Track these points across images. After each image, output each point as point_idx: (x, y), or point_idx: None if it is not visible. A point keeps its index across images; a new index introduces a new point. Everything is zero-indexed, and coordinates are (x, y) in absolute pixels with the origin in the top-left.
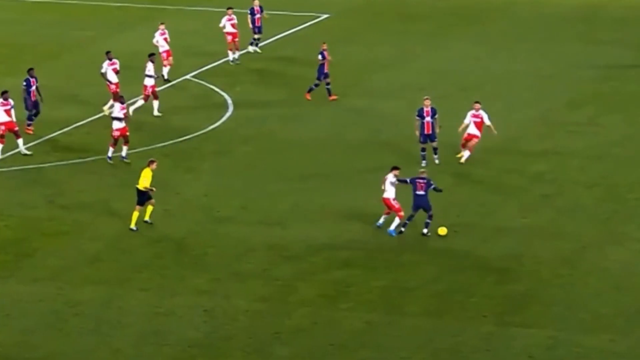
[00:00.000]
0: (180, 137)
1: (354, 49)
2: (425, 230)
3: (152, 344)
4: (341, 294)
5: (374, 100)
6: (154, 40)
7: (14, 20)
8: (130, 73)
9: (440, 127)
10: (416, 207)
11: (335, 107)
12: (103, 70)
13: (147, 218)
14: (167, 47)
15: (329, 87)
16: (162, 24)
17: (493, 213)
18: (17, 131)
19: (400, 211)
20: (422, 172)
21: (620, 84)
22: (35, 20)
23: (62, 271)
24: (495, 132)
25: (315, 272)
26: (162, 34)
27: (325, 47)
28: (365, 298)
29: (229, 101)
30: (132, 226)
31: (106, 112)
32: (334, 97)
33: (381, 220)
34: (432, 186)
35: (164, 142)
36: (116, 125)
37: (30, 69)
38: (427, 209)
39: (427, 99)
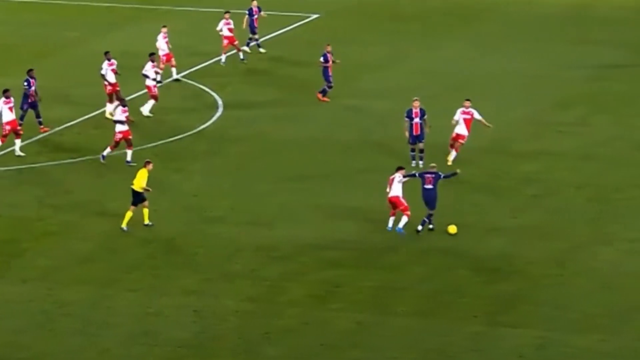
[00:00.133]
0: (170, 137)
1: (344, 50)
2: (419, 227)
3: (141, 344)
4: (331, 294)
5: (364, 101)
6: (157, 44)
7: (0, 20)
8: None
9: (429, 127)
10: (424, 202)
11: (325, 107)
12: (103, 71)
13: (146, 221)
14: (167, 50)
15: (327, 88)
16: (164, 27)
17: (483, 213)
18: (18, 130)
19: (407, 210)
20: (432, 167)
21: (609, 84)
22: (21, 20)
23: (51, 271)
24: (490, 125)
25: (305, 273)
26: (165, 37)
27: (329, 49)
28: (355, 298)
29: (219, 101)
30: (123, 226)
31: (110, 114)
32: (326, 99)
33: (390, 224)
34: (443, 176)
35: (154, 142)
36: (119, 128)
37: (30, 70)
38: (431, 204)
39: (416, 100)
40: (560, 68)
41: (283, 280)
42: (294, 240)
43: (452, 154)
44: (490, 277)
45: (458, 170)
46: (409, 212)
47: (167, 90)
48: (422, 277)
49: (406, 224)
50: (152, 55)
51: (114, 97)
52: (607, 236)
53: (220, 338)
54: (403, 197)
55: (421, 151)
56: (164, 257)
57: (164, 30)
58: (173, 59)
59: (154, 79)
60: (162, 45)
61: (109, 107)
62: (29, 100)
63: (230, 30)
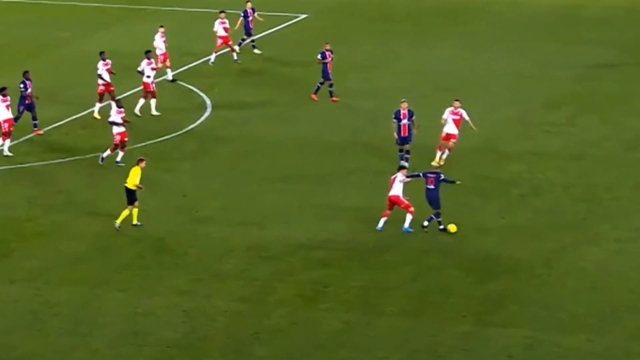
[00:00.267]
0: (160, 137)
1: (333, 50)
2: (425, 223)
3: (130, 345)
4: (320, 294)
5: (354, 101)
6: (155, 43)
7: None
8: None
9: (417, 127)
10: (427, 202)
11: (314, 107)
12: (99, 72)
13: (134, 221)
14: (164, 50)
15: (320, 86)
16: (161, 26)
17: (471, 213)
18: (10, 131)
19: (410, 207)
20: (436, 168)
21: (598, 83)
22: (10, 20)
23: (40, 272)
24: (475, 128)
25: (294, 273)
26: (162, 36)
27: (327, 46)
28: (344, 298)
29: (208, 102)
30: (118, 222)
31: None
32: (315, 97)
33: (381, 224)
34: (442, 179)
35: (143, 142)
36: (115, 129)
37: (26, 72)
38: (434, 204)
39: (404, 101)
40: (549, 68)
41: (273, 280)
42: (284, 240)
43: (438, 155)
44: (478, 277)
45: (458, 182)
46: (412, 209)
47: (158, 90)
48: (410, 277)
49: (411, 221)
50: (148, 53)
51: (106, 97)
52: (595, 236)
53: (210, 338)
54: (404, 196)
55: (407, 152)
56: (154, 257)
57: (161, 30)
58: (168, 60)
59: (148, 76)
60: (159, 44)
61: (97, 107)
62: (26, 102)
63: (225, 29)
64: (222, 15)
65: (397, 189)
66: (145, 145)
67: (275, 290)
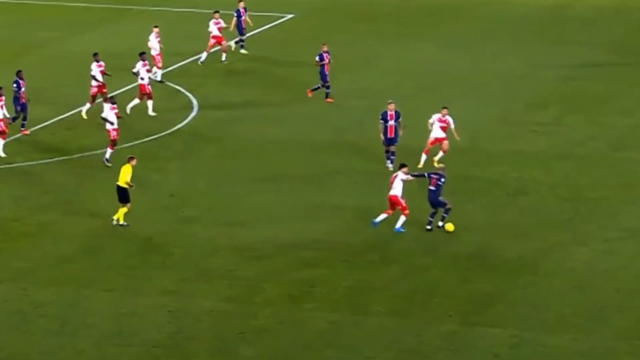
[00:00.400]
0: (147, 137)
1: (318, 49)
2: (428, 227)
3: (116, 345)
4: (306, 294)
5: (340, 101)
6: (149, 43)
7: None
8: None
9: (404, 127)
10: (429, 203)
11: (301, 107)
12: (93, 72)
13: (121, 221)
14: (159, 51)
15: (319, 87)
16: (156, 27)
17: (457, 213)
18: (4, 130)
19: (406, 209)
20: (440, 168)
21: (584, 83)
22: None
23: (27, 272)
24: (458, 138)
25: (281, 273)
26: (157, 36)
27: (325, 48)
28: (330, 298)
29: (194, 102)
30: (122, 222)
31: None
32: (311, 94)
33: (378, 219)
34: (441, 183)
35: (130, 142)
36: (109, 126)
37: (19, 71)
38: (435, 205)
39: (390, 103)
40: (534, 68)
41: (259, 280)
42: (271, 240)
43: (424, 158)
44: (465, 276)
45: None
46: (407, 212)
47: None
48: (397, 277)
49: (404, 223)
50: (143, 55)
51: (98, 98)
52: (582, 236)
53: (196, 338)
54: (402, 196)
55: (392, 153)
56: (140, 257)
57: (156, 30)
58: (160, 62)
59: (142, 78)
60: (154, 44)
61: (87, 107)
62: (21, 102)
63: (219, 29)
64: (217, 15)
65: (397, 189)
66: (132, 145)
67: (262, 290)
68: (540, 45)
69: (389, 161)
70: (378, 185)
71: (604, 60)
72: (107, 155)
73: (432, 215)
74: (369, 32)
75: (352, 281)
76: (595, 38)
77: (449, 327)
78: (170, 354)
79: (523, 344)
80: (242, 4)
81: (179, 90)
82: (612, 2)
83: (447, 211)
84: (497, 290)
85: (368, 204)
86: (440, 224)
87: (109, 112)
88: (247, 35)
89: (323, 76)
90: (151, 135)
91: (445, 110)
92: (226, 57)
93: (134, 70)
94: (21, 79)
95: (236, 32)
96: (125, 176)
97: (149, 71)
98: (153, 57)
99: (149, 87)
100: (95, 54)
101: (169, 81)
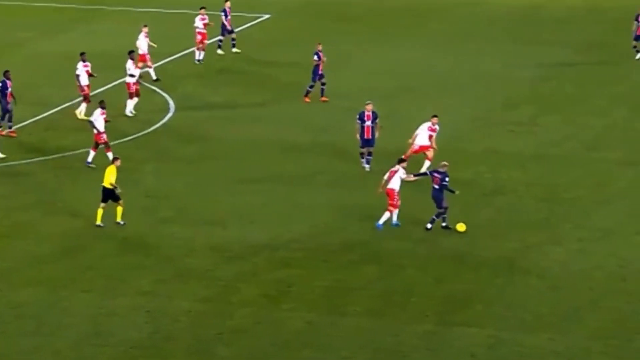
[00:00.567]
0: (122, 138)
1: (295, 49)
2: (428, 226)
3: (93, 345)
4: (283, 294)
5: (316, 101)
6: (137, 43)
7: None
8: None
9: (380, 127)
10: (433, 200)
11: (278, 107)
12: (78, 72)
13: (118, 219)
14: (146, 51)
15: (324, 87)
16: (145, 26)
17: (434, 213)
18: None
19: (395, 208)
20: (443, 166)
21: (559, 83)
22: None
23: (4, 273)
24: (435, 147)
25: (257, 273)
26: (146, 36)
27: (320, 47)
28: (307, 298)
29: (171, 102)
30: (98, 222)
31: (80, 117)
32: (325, 98)
33: (395, 219)
34: (445, 183)
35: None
36: (95, 131)
37: (6, 71)
38: (437, 203)
39: (369, 103)
40: (510, 68)
41: (236, 280)
42: (248, 240)
43: (426, 164)
44: (442, 276)
45: (457, 192)
46: (392, 209)
47: (118, 91)
48: (374, 277)
49: (387, 220)
50: (132, 53)
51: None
52: (557, 236)
53: (173, 339)
54: (398, 192)
55: (369, 154)
56: (117, 258)
57: (145, 29)
58: (149, 61)
59: (132, 75)
60: (142, 44)
61: (80, 108)
62: (7, 101)
63: (204, 26)
64: (202, 11)
65: (395, 183)
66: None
67: (239, 290)
68: (515, 46)
69: (364, 161)
70: (356, 185)
71: (578, 60)
72: (110, 156)
73: (438, 215)
74: (347, 32)
75: (329, 281)
76: (569, 38)
77: (426, 327)
78: (147, 354)
79: (500, 344)
80: (228, 3)
81: (155, 91)
82: (585, 3)
83: (439, 214)
84: (475, 290)
85: (346, 204)
86: (444, 224)
87: (98, 116)
88: (220, 37)
89: (314, 76)
90: (128, 136)
91: (435, 118)
92: (203, 56)
93: (130, 72)
94: (8, 78)
95: (225, 30)
96: (109, 177)
97: (138, 68)
98: (141, 56)
99: (135, 86)
100: (82, 54)
101: (145, 82)
